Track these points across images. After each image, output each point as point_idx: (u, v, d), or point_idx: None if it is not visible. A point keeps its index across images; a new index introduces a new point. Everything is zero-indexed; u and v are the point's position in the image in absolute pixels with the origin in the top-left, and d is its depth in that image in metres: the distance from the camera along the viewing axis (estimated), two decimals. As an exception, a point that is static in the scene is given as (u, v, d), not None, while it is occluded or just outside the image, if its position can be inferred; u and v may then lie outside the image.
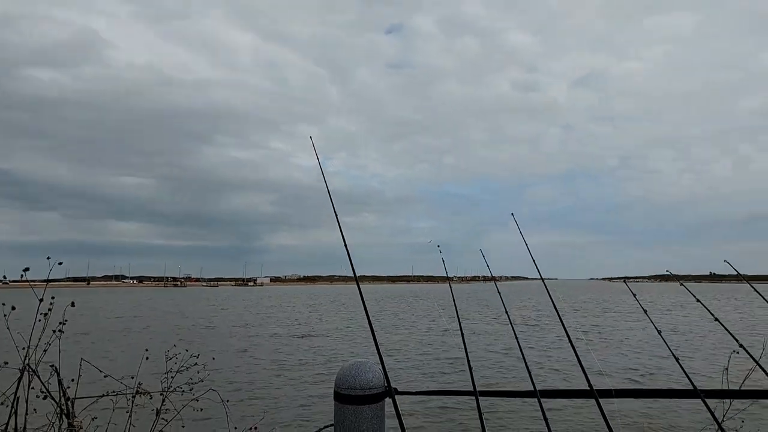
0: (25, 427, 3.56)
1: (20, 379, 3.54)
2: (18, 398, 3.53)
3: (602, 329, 25.62)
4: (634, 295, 2.44)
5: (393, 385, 1.94)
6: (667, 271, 2.48)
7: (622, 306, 45.55)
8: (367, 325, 2.18)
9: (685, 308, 40.29)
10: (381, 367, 1.95)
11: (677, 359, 2.08)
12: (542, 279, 2.54)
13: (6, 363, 3.54)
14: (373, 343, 2.11)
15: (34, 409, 3.58)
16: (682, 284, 2.48)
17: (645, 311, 2.35)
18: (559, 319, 2.14)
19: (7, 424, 3.51)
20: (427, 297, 70.48)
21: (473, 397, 1.99)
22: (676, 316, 33.37)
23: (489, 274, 2.86)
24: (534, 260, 2.53)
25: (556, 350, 17.23)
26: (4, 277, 3.66)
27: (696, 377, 1.96)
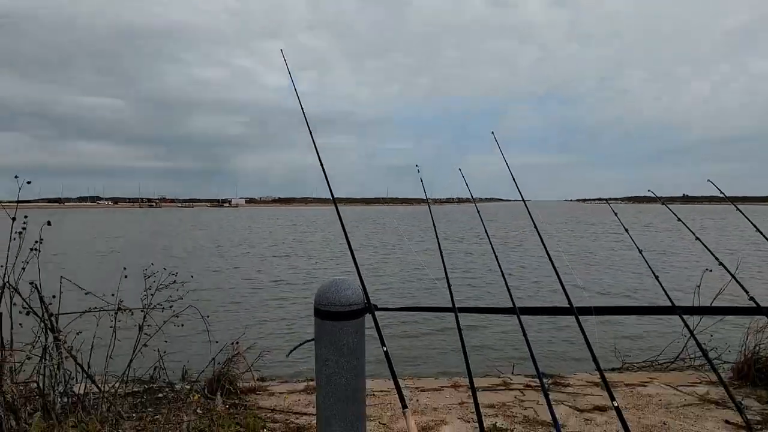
0: (12, 341, 3.61)
1: (1, 296, 3.55)
2: (1, 314, 3.55)
3: (582, 249, 26.31)
4: (616, 214, 2.47)
5: (372, 302, 1.96)
6: (649, 191, 2.49)
7: (599, 227, 46.76)
8: (347, 246, 2.17)
9: (661, 228, 41.51)
10: (360, 285, 1.97)
11: (657, 277, 2.13)
12: (523, 199, 2.54)
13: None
14: (353, 263, 2.11)
15: (20, 324, 3.61)
16: (664, 204, 2.50)
17: (626, 230, 2.38)
18: (539, 238, 2.15)
19: (-8, 336, 3.55)
20: (403, 218, 71.28)
21: (453, 314, 2.03)
22: (653, 236, 34.45)
23: (463, 196, 2.84)
24: (514, 179, 2.52)
25: (536, 270, 17.70)
26: (-22, 197, 3.60)
27: (670, 294, 2.01)
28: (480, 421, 1.72)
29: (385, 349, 1.82)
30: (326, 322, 1.94)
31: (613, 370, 5.58)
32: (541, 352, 7.75)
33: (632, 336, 8.68)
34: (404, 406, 1.74)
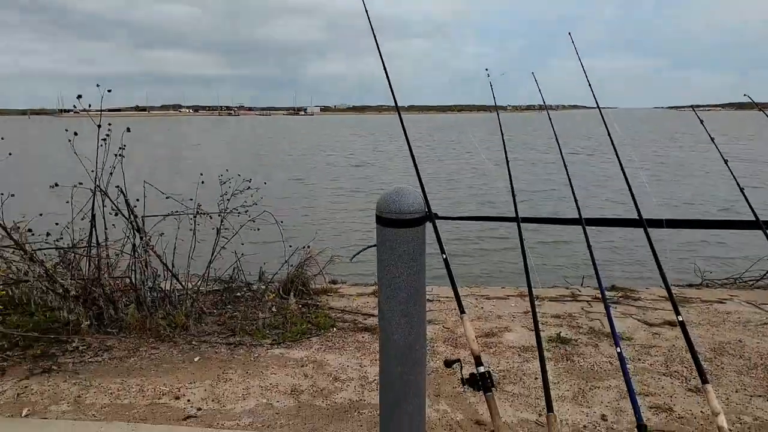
0: (106, 238, 3.97)
1: (93, 198, 3.86)
2: (95, 215, 3.89)
3: (663, 159, 24.78)
4: (701, 121, 2.26)
5: (434, 210, 1.94)
6: (744, 95, 2.24)
7: (687, 137, 43.63)
8: (417, 155, 2.13)
9: (761, 138, 38.02)
10: (421, 193, 1.95)
11: (741, 189, 1.96)
12: (598, 106, 2.36)
13: (81, 183, 3.84)
14: (415, 171, 2.09)
15: (113, 225, 3.95)
16: (761, 110, 2.25)
17: (712, 139, 2.18)
18: (612, 147, 2.02)
19: (90, 234, 3.92)
20: (477, 127, 69.43)
21: (515, 224, 1.98)
22: (748, 146, 31.69)
23: (544, 103, 2.68)
24: (590, 84, 2.34)
25: (609, 180, 16.94)
26: (74, 106, 3.88)
27: (760, 210, 1.85)
28: (536, 327, 1.71)
29: (444, 256, 1.82)
30: (387, 229, 1.96)
31: (690, 286, 5.39)
32: (618, 267, 7.57)
33: (718, 255, 8.26)
34: (462, 311, 1.76)
